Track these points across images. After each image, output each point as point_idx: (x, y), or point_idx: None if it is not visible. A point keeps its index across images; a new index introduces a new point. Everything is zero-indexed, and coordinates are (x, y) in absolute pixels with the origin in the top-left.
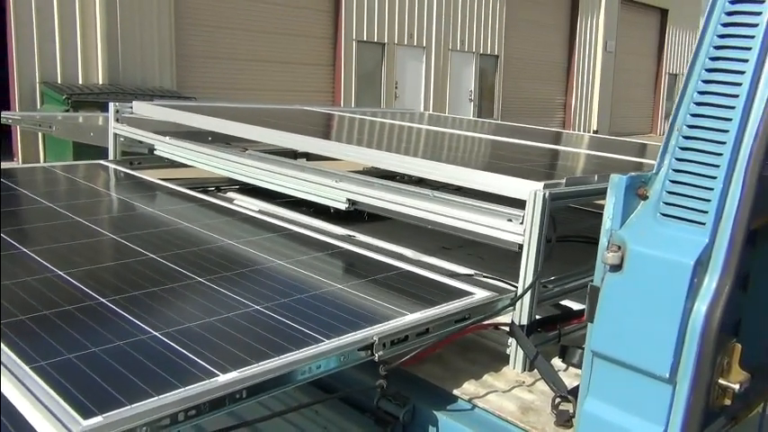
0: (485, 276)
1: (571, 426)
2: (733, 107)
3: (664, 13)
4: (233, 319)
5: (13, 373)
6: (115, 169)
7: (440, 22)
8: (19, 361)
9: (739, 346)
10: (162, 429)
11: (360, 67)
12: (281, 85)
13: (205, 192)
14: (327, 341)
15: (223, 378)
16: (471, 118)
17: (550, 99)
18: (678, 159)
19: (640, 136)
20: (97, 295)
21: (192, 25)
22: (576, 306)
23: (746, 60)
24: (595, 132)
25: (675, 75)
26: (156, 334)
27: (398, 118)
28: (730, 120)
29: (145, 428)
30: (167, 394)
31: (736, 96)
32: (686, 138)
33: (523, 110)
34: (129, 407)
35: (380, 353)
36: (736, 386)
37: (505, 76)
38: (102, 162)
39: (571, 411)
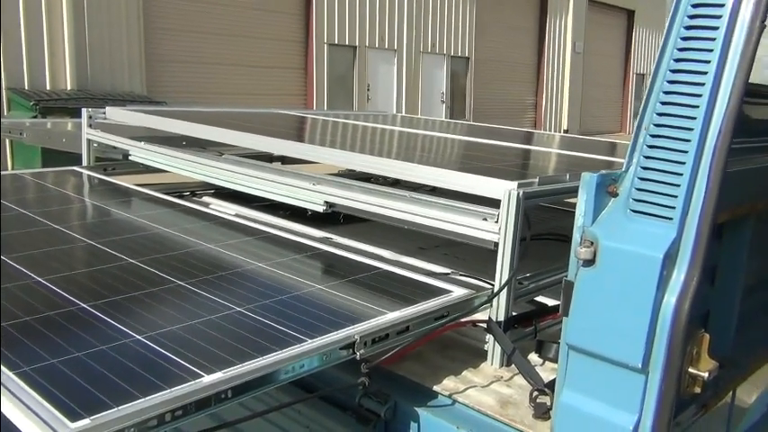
0: (461, 275)
1: (549, 418)
2: (697, 106)
3: (630, 14)
4: (215, 321)
5: None
6: (89, 175)
7: (410, 24)
8: (2, 367)
9: (707, 336)
10: (150, 430)
11: (331, 71)
12: (253, 89)
13: (180, 197)
14: (310, 341)
15: (208, 378)
16: (444, 119)
17: (521, 100)
18: (646, 157)
19: (610, 135)
20: (78, 300)
21: (161, 29)
22: (549, 302)
23: (708, 62)
24: (566, 132)
25: (643, 75)
26: (139, 337)
27: (372, 120)
28: (695, 118)
29: (132, 430)
30: (153, 396)
31: (700, 96)
32: (653, 136)
33: (495, 111)
34: (115, 409)
35: (362, 351)
36: (706, 374)
37: (476, 78)
38: (75, 168)
39: (548, 404)
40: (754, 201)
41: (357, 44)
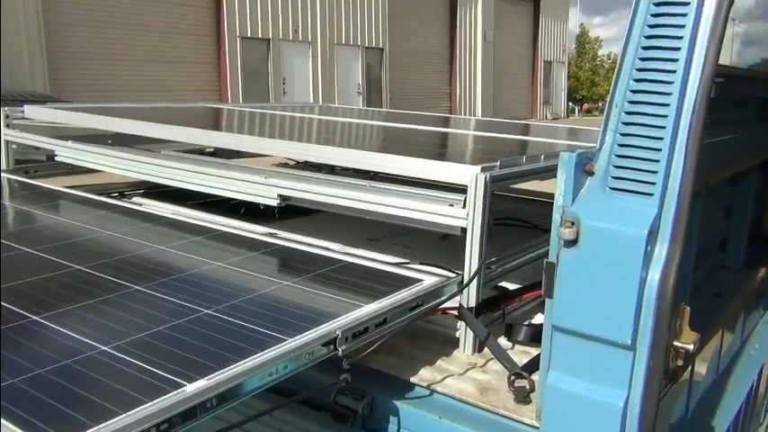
0: (421, 263)
1: (530, 401)
2: (671, 82)
3: (536, 2)
4: (184, 326)
5: None
6: (10, 179)
7: (324, 16)
8: None
9: (689, 308)
10: None
11: (245, 64)
12: (164, 85)
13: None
14: (291, 339)
15: (191, 387)
16: (386, 110)
17: (436, 89)
18: (623, 134)
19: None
20: (27, 313)
21: (65, 25)
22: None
23: (681, 37)
24: None
25: (550, 62)
26: (105, 348)
27: (316, 112)
28: (670, 94)
29: None
30: (135, 410)
31: (674, 72)
32: (628, 113)
33: (411, 100)
34: (95, 428)
35: (344, 347)
36: (690, 347)
37: (391, 69)
38: None
39: (528, 387)
40: (706, 176)
41: (271, 37)
